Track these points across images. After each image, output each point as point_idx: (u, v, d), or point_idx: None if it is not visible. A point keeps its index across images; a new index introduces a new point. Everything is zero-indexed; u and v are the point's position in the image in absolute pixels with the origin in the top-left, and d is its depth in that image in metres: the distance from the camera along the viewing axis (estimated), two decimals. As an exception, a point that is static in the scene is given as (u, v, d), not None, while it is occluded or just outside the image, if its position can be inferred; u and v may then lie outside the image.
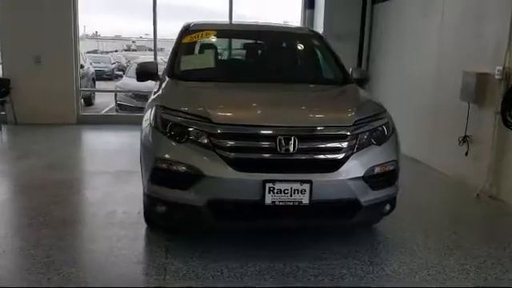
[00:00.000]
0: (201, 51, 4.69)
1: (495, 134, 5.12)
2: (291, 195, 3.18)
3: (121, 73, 19.16)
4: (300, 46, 4.77)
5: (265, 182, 3.15)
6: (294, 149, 3.20)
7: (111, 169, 5.85)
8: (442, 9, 6.28)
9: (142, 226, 3.98)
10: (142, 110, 10.48)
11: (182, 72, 4.26)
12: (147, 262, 3.42)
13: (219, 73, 4.44)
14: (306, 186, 3.18)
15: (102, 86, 15.74)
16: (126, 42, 38.04)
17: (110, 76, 20.20)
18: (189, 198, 3.27)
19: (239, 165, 3.19)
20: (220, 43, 4.83)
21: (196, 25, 4.76)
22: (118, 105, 10.87)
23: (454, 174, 5.85)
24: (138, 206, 4.06)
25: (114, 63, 23.22)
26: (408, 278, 3.30)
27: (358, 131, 3.38)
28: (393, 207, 3.66)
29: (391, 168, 3.52)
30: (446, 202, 5.22)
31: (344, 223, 3.47)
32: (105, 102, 12.90)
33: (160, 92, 3.90)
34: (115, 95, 11.23)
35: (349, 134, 3.33)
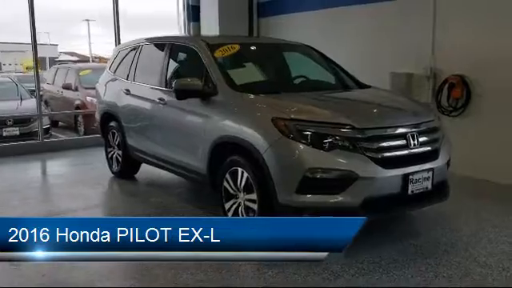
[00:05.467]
0: (239, 65, 4.67)
1: (428, 120, 6.49)
2: (422, 183, 3.76)
3: None
4: (314, 57, 5.13)
5: (407, 174, 3.64)
6: (418, 143, 3.76)
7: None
8: (351, 23, 7.42)
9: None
10: (12, 138, 8.98)
11: (241, 86, 4.26)
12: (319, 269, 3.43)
13: (277, 84, 4.62)
14: (430, 174, 3.82)
15: None
16: None
17: None
18: (342, 201, 3.51)
19: (385, 163, 3.60)
20: (250, 57, 4.85)
21: (213, 38, 4.75)
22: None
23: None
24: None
25: None
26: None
27: (439, 123, 4.13)
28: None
29: (450, 153, 4.36)
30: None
31: (442, 200, 4.14)
32: None
33: (252, 106, 3.92)
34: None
35: (439, 126, 4.06)
